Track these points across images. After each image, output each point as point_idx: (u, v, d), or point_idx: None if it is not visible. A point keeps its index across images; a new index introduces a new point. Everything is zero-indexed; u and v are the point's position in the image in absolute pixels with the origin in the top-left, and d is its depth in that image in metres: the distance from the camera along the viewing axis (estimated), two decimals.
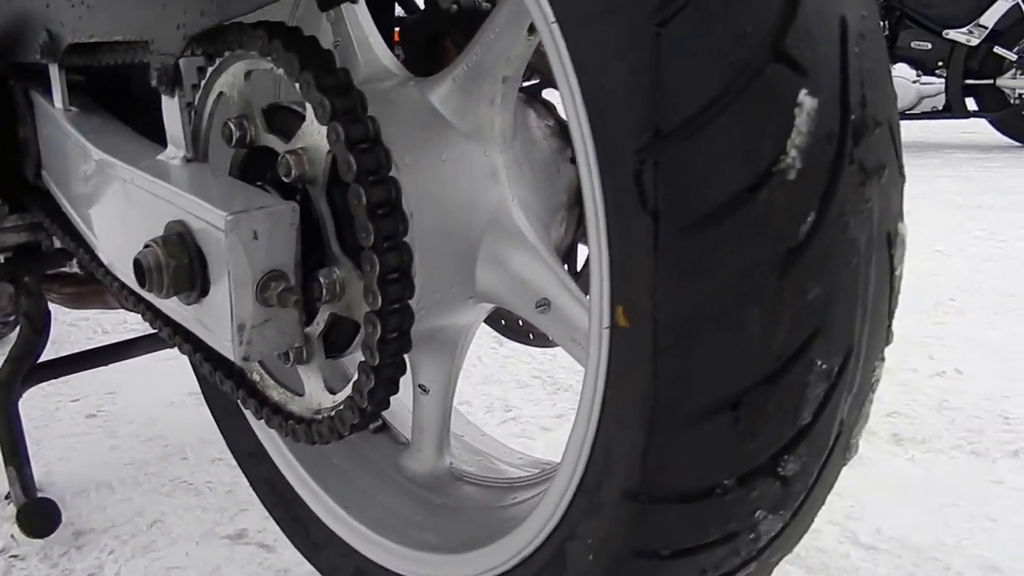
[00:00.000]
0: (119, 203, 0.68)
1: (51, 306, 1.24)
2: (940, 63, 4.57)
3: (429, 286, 0.62)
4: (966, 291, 2.16)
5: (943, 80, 4.57)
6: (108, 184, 0.73)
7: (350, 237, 0.56)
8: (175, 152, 0.65)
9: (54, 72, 0.82)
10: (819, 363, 0.44)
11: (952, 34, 4.47)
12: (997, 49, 4.42)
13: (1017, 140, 4.64)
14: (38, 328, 1.22)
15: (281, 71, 0.55)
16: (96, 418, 1.64)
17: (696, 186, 0.40)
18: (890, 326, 0.49)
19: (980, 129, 4.81)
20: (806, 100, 0.40)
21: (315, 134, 0.56)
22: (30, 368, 1.23)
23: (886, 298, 0.47)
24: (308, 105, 0.55)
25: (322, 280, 0.57)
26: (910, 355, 1.70)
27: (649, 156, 0.41)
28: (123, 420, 1.61)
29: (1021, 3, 4.37)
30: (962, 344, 1.76)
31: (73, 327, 2.09)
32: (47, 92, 0.88)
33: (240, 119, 0.62)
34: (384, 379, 0.58)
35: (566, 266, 0.72)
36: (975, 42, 4.43)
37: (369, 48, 0.74)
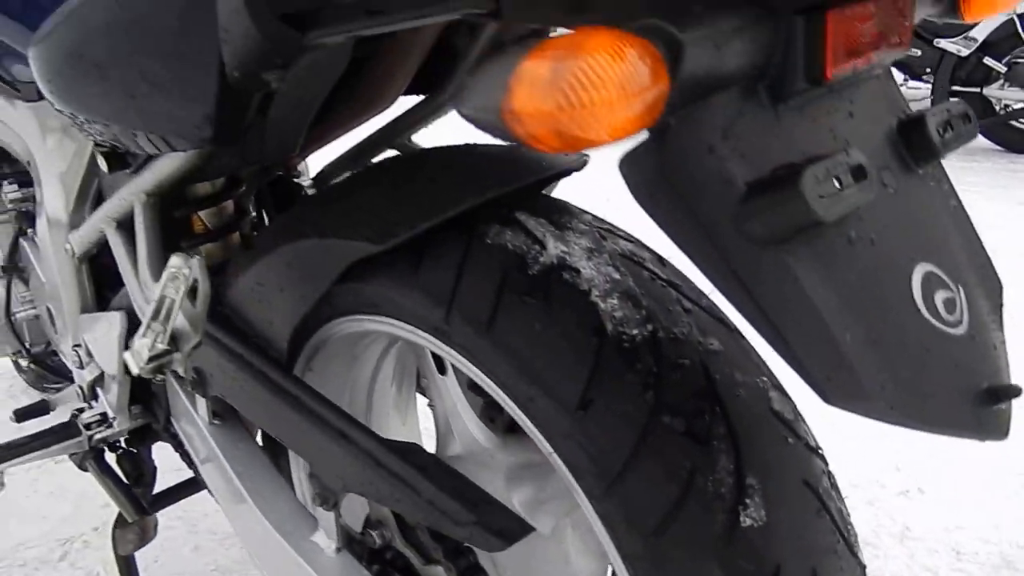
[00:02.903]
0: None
1: None
2: (928, 70, 4.72)
3: None
4: None
5: (930, 85, 4.72)
6: (250, 525, 0.92)
7: None
8: (326, 541, 0.84)
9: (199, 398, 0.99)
10: None
11: (943, 43, 4.59)
12: (987, 60, 4.55)
13: (1001, 145, 4.83)
14: (148, 484, 1.42)
15: None
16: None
17: None
18: None
19: None
20: None
21: None
22: None
23: None
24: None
25: None
26: (881, 463, 1.92)
27: None
28: (199, 512, 1.76)
29: (1016, 19, 4.47)
30: (926, 452, 1.98)
31: None
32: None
33: (378, 526, 0.82)
34: None
35: None
36: (965, 53, 4.55)
37: (458, 416, 0.93)
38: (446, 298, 0.69)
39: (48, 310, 1.33)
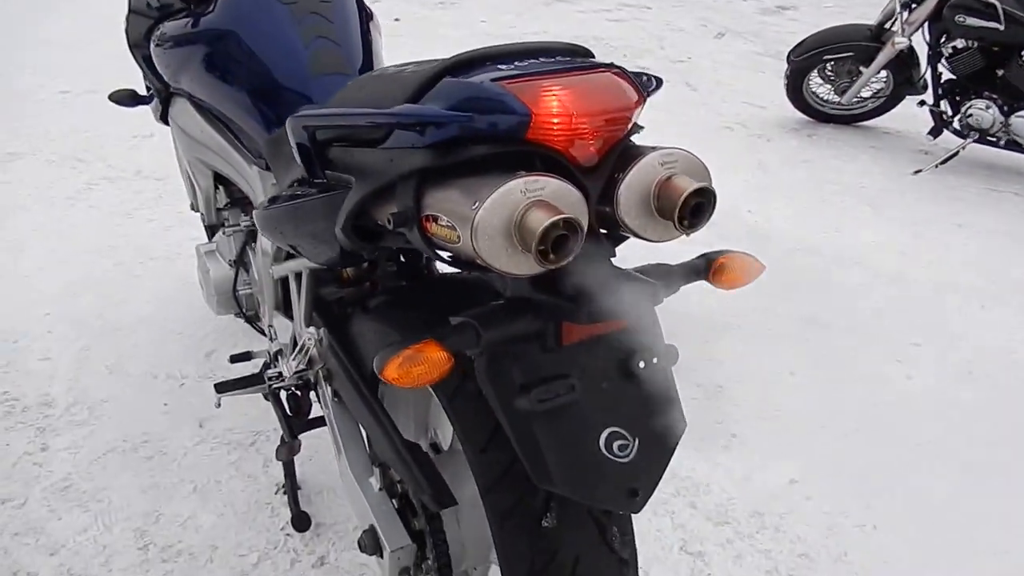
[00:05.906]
0: None
1: None
2: None
3: None
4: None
5: None
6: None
7: None
8: (375, 482, 1.51)
9: None
10: None
11: None
12: None
13: None
14: (305, 414, 2.17)
15: None
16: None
17: None
18: None
19: None
20: None
21: None
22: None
23: None
24: None
25: None
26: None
27: None
28: None
29: None
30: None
31: None
32: None
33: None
34: None
35: None
36: None
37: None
38: None
39: (258, 298, 2.10)
